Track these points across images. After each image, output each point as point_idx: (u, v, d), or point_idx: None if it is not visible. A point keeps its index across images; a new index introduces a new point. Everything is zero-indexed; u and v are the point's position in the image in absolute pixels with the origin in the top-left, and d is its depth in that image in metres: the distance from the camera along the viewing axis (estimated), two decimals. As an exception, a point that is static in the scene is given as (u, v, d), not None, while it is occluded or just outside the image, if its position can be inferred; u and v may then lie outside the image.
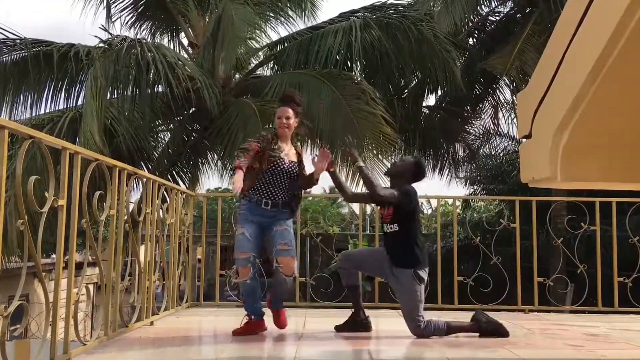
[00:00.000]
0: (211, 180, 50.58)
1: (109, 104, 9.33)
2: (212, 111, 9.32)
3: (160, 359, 3.37)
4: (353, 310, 4.20)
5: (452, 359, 3.37)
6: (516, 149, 13.40)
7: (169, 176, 10.34)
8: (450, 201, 10.84)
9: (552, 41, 2.30)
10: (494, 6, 12.88)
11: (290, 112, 4.17)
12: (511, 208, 8.14)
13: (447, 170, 13.38)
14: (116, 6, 11.36)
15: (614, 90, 2.09)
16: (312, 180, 4.16)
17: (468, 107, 13.21)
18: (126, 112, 9.41)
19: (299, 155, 4.27)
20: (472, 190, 14.95)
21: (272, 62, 11.36)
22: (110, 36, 9.85)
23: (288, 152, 4.16)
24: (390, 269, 4.04)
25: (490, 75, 11.81)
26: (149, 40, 11.28)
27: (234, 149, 8.91)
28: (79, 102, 10.10)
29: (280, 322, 4.15)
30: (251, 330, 4.02)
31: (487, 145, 14.40)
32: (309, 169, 4.26)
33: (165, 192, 4.71)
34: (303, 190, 4.40)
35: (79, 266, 3.73)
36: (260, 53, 11.63)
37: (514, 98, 12.26)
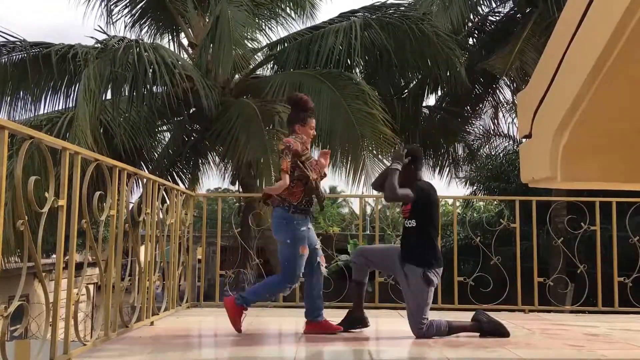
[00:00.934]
0: (211, 180, 50.55)
1: (108, 105, 9.33)
2: (210, 111, 9.32)
3: (160, 359, 3.36)
4: (353, 305, 4.19)
5: (452, 359, 3.37)
6: (516, 149, 13.40)
7: (169, 176, 10.35)
8: (450, 201, 10.83)
9: (552, 41, 2.30)
10: (493, 6, 12.90)
11: None
12: (511, 208, 8.15)
13: (447, 170, 13.40)
14: (117, 6, 11.39)
15: (614, 90, 2.09)
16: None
17: (468, 107, 13.23)
18: (125, 113, 9.40)
19: None
20: (472, 190, 14.95)
21: (272, 62, 11.36)
22: (107, 37, 9.83)
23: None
24: (401, 266, 4.02)
25: (490, 75, 11.81)
26: (150, 40, 11.31)
27: (236, 149, 8.93)
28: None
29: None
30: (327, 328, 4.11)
31: (487, 145, 14.41)
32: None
33: (165, 193, 4.71)
34: None
35: (79, 266, 3.72)
36: (260, 53, 11.63)
37: (514, 98, 12.26)
